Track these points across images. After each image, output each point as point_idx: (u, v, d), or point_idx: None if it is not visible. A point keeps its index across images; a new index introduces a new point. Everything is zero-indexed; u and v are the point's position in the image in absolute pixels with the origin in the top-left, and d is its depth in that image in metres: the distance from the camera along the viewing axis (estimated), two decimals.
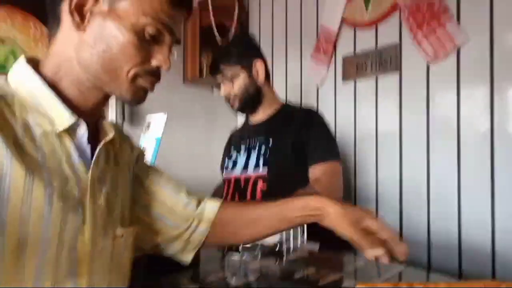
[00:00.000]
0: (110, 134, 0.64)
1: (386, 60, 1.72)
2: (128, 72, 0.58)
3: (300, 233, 0.97)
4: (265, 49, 1.56)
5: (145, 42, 0.59)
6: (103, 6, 0.57)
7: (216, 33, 2.22)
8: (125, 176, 0.69)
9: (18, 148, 0.51)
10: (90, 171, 0.59)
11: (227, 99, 1.42)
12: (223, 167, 1.52)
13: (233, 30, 2.27)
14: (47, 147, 0.55)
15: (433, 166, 1.58)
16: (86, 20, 0.58)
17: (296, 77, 2.17)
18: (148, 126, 1.04)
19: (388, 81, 1.72)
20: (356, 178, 1.85)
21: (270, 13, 2.33)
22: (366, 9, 1.77)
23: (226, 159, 1.50)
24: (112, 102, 2.02)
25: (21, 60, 0.60)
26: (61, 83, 0.60)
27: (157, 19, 0.58)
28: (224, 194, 1.45)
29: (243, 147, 1.44)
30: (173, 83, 2.26)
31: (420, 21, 1.57)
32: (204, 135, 2.36)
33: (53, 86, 0.59)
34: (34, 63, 0.61)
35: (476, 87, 1.46)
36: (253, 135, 1.43)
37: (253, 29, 2.43)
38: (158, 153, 0.96)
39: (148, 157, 0.97)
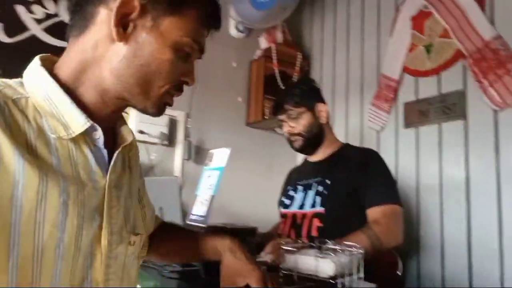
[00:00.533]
0: (129, 139, 0.64)
1: (450, 107, 1.70)
2: (160, 88, 0.59)
3: (356, 270, 0.96)
4: (326, 95, 1.62)
5: (182, 61, 0.60)
6: (148, 21, 0.57)
7: (279, 80, 2.34)
8: (136, 182, 0.70)
9: (31, 154, 0.50)
10: (108, 176, 0.58)
11: (289, 137, 1.48)
12: (281, 203, 1.56)
13: (295, 77, 2.38)
14: (62, 152, 0.53)
15: (505, 217, 1.48)
16: (128, 32, 0.57)
17: (356, 123, 2.19)
18: (211, 159, 1.12)
19: (453, 128, 1.69)
20: (420, 227, 1.78)
21: (331, 61, 2.42)
22: (428, 58, 1.79)
23: (284, 196, 1.54)
24: (180, 140, 2.17)
25: (36, 61, 0.58)
26: (80, 88, 0.58)
27: (195, 39, 0.60)
28: (281, 229, 1.48)
29: (301, 185, 1.48)
30: (236, 125, 2.38)
31: (485, 68, 1.56)
32: (264, 174, 2.42)
33: (69, 90, 0.57)
34: (49, 63, 0.59)
35: None
36: (311, 173, 1.46)
37: (315, 77, 2.52)
38: (220, 183, 1.03)
39: (212, 187, 1.04)
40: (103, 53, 0.57)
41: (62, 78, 0.57)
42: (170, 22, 0.58)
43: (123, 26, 0.56)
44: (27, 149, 0.50)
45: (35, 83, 0.56)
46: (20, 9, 1.79)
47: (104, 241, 0.57)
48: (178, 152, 2.18)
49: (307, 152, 1.52)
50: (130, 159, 0.68)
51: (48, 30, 1.84)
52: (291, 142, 1.49)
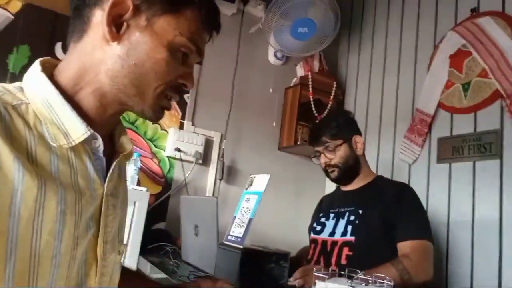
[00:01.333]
0: (128, 148, 0.64)
1: (486, 146, 1.70)
2: (156, 88, 0.58)
3: None
4: (359, 125, 1.67)
5: (178, 62, 0.59)
6: (142, 20, 0.56)
7: (314, 108, 2.39)
8: (127, 191, 0.70)
9: (31, 162, 0.49)
10: (106, 184, 0.58)
11: (326, 168, 1.53)
12: (312, 228, 1.59)
13: (329, 106, 2.43)
14: (62, 160, 0.53)
15: None
16: (122, 32, 0.56)
17: (388, 155, 2.21)
18: (251, 183, 1.18)
19: (488, 166, 1.69)
20: (448, 264, 1.76)
21: (366, 92, 2.46)
22: (465, 96, 1.81)
23: (316, 222, 1.57)
24: (214, 160, 2.25)
25: (36, 66, 0.57)
26: (79, 93, 0.57)
27: (192, 40, 0.59)
28: (310, 254, 1.51)
29: (333, 212, 1.51)
30: (269, 149, 2.44)
31: None
32: (293, 198, 2.46)
33: (69, 95, 0.56)
34: (49, 68, 0.58)
35: None
36: (344, 202, 1.49)
37: (349, 106, 2.57)
38: (259, 206, 1.08)
39: (250, 210, 1.10)
40: (100, 55, 0.57)
41: (62, 84, 0.57)
42: (165, 21, 0.57)
43: (117, 27, 0.56)
44: (27, 157, 0.49)
45: (35, 89, 0.55)
46: None
47: (99, 250, 0.57)
48: (212, 171, 2.26)
49: (343, 183, 1.56)
50: (125, 168, 0.70)
51: None
52: (327, 173, 1.54)
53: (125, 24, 0.57)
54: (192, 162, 2.18)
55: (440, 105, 1.93)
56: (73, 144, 0.54)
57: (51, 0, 1.78)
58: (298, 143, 2.37)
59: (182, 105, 2.22)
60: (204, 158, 2.23)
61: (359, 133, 1.55)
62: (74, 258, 0.53)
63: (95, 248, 0.57)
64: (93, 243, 0.57)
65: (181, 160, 2.15)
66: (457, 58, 1.86)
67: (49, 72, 0.58)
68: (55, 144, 0.53)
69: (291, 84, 2.50)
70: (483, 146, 1.72)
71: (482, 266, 1.63)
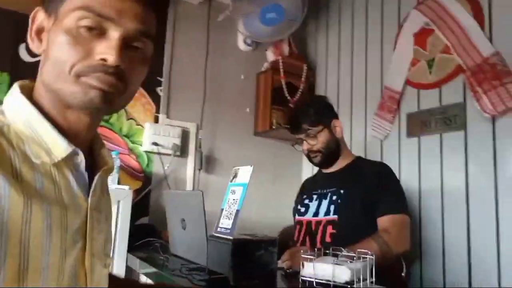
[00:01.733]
0: (109, 162, 0.65)
1: (451, 118, 1.80)
2: (70, 71, 0.54)
3: (369, 275, 1.05)
4: None
5: (83, 38, 0.55)
6: (51, 21, 0.57)
7: (286, 92, 2.43)
8: (111, 205, 0.71)
9: (16, 179, 0.50)
10: (89, 199, 0.59)
11: (309, 154, 1.58)
12: (296, 210, 1.65)
13: (301, 88, 2.48)
14: (46, 176, 0.54)
15: (502, 223, 1.58)
16: (43, 41, 0.57)
17: (360, 132, 2.29)
18: (236, 176, 1.21)
19: (453, 138, 1.79)
20: (421, 232, 1.87)
21: (336, 73, 2.52)
22: (430, 72, 1.89)
23: (299, 204, 1.63)
24: (191, 150, 2.27)
25: (15, 88, 0.58)
26: (50, 110, 0.58)
27: (88, 9, 0.54)
28: (296, 236, 1.57)
29: (316, 194, 1.58)
30: (245, 135, 2.47)
31: (481, 79, 1.65)
32: (271, 182, 2.52)
33: (47, 113, 0.57)
34: (28, 89, 0.59)
35: None
36: (326, 184, 1.56)
37: (320, 88, 2.63)
38: (245, 196, 1.12)
39: (237, 201, 1.13)
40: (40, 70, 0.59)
41: (40, 102, 0.58)
42: (64, 8, 0.55)
43: (41, 39, 0.58)
44: (13, 175, 0.50)
45: (15, 111, 0.56)
46: None
47: (87, 263, 0.58)
48: (190, 162, 2.27)
49: (326, 166, 1.61)
50: (107, 182, 0.70)
51: None
52: (310, 158, 1.59)
53: (45, 33, 0.58)
54: (170, 154, 2.19)
55: (407, 82, 2.01)
56: (56, 161, 0.55)
57: (12, 0, 1.71)
58: (274, 127, 2.42)
59: (156, 98, 2.21)
60: (182, 150, 2.24)
61: (337, 117, 1.61)
62: (63, 272, 0.53)
63: (83, 261, 0.58)
64: (81, 256, 0.57)
65: (159, 153, 2.15)
66: (421, 36, 1.93)
67: (28, 93, 0.58)
68: (38, 161, 0.54)
69: (262, 70, 2.53)
70: (449, 118, 1.81)
71: (452, 231, 1.75)
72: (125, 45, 0.56)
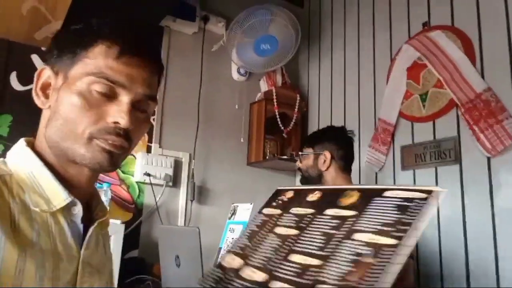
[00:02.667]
0: (103, 215, 0.65)
1: (445, 152, 1.81)
2: (82, 134, 0.57)
3: None
4: None
5: (95, 102, 0.58)
6: (59, 80, 0.60)
7: (279, 122, 2.43)
8: (106, 262, 0.70)
9: (13, 228, 0.51)
10: (82, 251, 0.59)
11: (298, 169, 1.71)
12: None
13: (294, 119, 2.48)
14: (42, 225, 0.55)
15: (500, 255, 1.57)
16: (49, 97, 0.60)
17: (354, 165, 2.28)
18: (234, 213, 1.18)
19: (448, 171, 1.79)
20: (419, 265, 1.85)
21: (328, 103, 2.54)
22: (423, 106, 1.92)
23: None
24: (184, 181, 2.22)
25: (21, 142, 0.62)
26: (52, 161, 0.60)
27: (102, 76, 0.57)
28: None
29: None
30: (238, 166, 2.44)
31: (477, 117, 1.67)
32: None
33: (50, 165, 0.60)
34: (32, 143, 0.63)
35: None
36: None
37: (313, 118, 2.63)
38: None
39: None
40: (42, 125, 0.62)
41: (42, 155, 0.61)
42: (76, 70, 0.58)
43: (46, 95, 0.61)
44: (10, 224, 0.51)
45: (19, 161, 0.59)
46: (35, 58, 1.85)
47: None
48: (183, 193, 2.23)
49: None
50: (103, 238, 0.70)
51: None
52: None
53: (50, 89, 0.61)
54: (162, 185, 2.14)
55: (400, 115, 2.03)
56: (54, 209, 0.57)
57: (3, 28, 1.68)
58: (267, 157, 2.40)
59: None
60: (174, 180, 2.20)
61: (332, 151, 1.61)
62: None
63: None
64: None
65: (150, 184, 2.10)
66: (414, 70, 1.96)
67: (31, 146, 0.62)
68: (37, 209, 0.55)
69: (256, 99, 2.53)
70: (443, 152, 1.82)
71: (450, 261, 1.73)
72: (133, 107, 0.60)
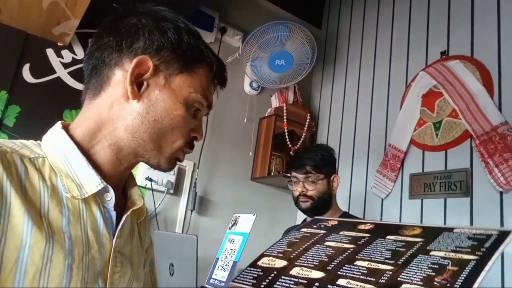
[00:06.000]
0: (139, 203, 0.64)
1: (456, 184, 1.76)
2: (173, 143, 0.60)
3: None
4: None
5: (191, 117, 0.62)
6: (160, 79, 0.60)
7: (288, 139, 2.40)
8: (140, 254, 0.68)
9: (42, 215, 0.50)
10: (114, 240, 0.58)
11: (298, 197, 1.56)
12: None
13: (303, 137, 2.45)
14: (73, 211, 0.54)
15: None
16: (142, 90, 0.59)
17: (360, 188, 2.23)
18: (235, 223, 1.13)
19: (458, 203, 1.74)
20: None
21: (339, 125, 2.51)
22: (436, 135, 1.88)
23: None
24: (185, 189, 2.18)
25: (57, 125, 0.61)
26: (95, 147, 0.59)
27: (204, 95, 0.62)
28: None
29: None
30: (242, 179, 2.40)
31: (491, 150, 1.63)
32: (266, 229, 2.42)
33: (85, 149, 0.59)
34: (66, 126, 0.62)
35: None
36: None
37: (322, 138, 2.60)
38: (244, 247, 1.04)
39: (235, 252, 1.05)
40: (118, 112, 0.59)
41: (78, 138, 0.59)
42: (181, 79, 0.60)
43: (138, 85, 0.59)
44: (39, 209, 0.51)
45: (53, 144, 0.58)
46: (50, 53, 1.85)
47: None
48: (183, 202, 2.18)
49: (312, 215, 1.56)
50: (139, 228, 0.68)
51: (73, 74, 1.90)
52: (298, 202, 1.56)
53: (145, 83, 0.60)
54: (163, 192, 2.10)
55: (412, 142, 1.99)
56: (86, 195, 0.55)
57: (22, 20, 1.69)
58: (272, 174, 2.35)
59: None
60: (175, 188, 2.16)
61: (337, 172, 1.63)
62: None
63: None
64: None
65: (151, 189, 2.06)
66: (429, 98, 1.93)
67: (66, 128, 0.61)
68: (68, 195, 0.54)
69: (266, 115, 2.50)
70: (454, 184, 1.77)
71: None
72: None
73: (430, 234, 0.58)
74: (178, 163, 0.65)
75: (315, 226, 0.73)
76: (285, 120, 2.41)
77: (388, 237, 0.61)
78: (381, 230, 0.65)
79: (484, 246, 0.51)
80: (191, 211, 2.18)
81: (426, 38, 2.08)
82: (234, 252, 1.05)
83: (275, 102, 2.51)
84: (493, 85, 1.71)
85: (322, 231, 0.71)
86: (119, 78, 0.59)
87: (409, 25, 2.20)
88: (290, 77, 2.34)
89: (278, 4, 2.59)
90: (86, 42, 1.95)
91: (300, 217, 2.46)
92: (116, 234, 0.58)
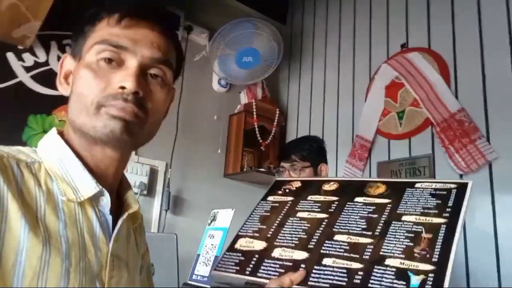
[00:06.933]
0: (134, 207, 0.63)
1: (420, 169, 1.86)
2: (92, 103, 0.56)
3: None
4: None
5: (103, 71, 0.57)
6: (76, 61, 0.60)
7: (258, 135, 2.43)
8: (137, 259, 0.67)
9: (38, 219, 0.50)
10: (111, 243, 0.57)
11: None
12: None
13: (273, 132, 2.49)
14: (69, 215, 0.53)
15: (472, 273, 1.60)
16: (70, 83, 0.60)
17: None
18: (214, 219, 1.16)
19: None
20: None
21: (307, 118, 2.57)
22: (400, 123, 1.97)
23: None
24: (159, 190, 2.17)
25: (53, 131, 0.61)
26: (78, 149, 0.59)
27: (107, 43, 0.57)
28: None
29: None
30: (215, 177, 2.42)
31: (451, 137, 1.73)
32: (240, 224, 2.44)
33: (79, 154, 0.58)
34: (61, 133, 0.61)
35: (510, 199, 1.56)
36: None
37: (291, 132, 2.65)
38: (225, 242, 1.06)
39: (215, 247, 1.07)
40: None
41: (72, 143, 0.59)
42: (85, 47, 0.59)
43: (69, 82, 0.61)
44: (36, 214, 0.50)
45: (49, 149, 0.58)
46: (10, 57, 1.79)
47: None
48: (157, 202, 2.17)
49: None
50: (135, 233, 0.67)
51: (36, 78, 1.84)
52: None
53: (71, 75, 0.61)
54: (136, 193, 2.08)
55: (378, 132, 2.07)
56: (81, 199, 0.55)
57: None
58: (245, 169, 2.38)
59: None
60: (149, 189, 2.14)
61: (326, 162, 1.61)
62: None
63: None
64: None
65: None
66: (392, 89, 2.02)
67: (62, 135, 0.61)
68: (64, 198, 0.54)
69: (235, 111, 2.53)
70: (418, 169, 1.87)
71: None
72: (143, 73, 0.58)
73: (395, 192, 0.61)
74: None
75: (280, 192, 0.72)
76: (254, 116, 2.44)
77: (356, 199, 0.63)
78: (347, 189, 0.66)
79: (448, 205, 0.56)
80: (166, 211, 2.17)
81: (386, 32, 2.17)
82: (215, 247, 1.07)
83: (244, 98, 2.54)
84: (450, 75, 1.82)
85: (289, 198, 0.70)
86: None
87: (370, 20, 2.29)
88: (258, 73, 2.38)
89: (243, 1, 2.62)
90: (48, 45, 1.90)
91: None
92: (113, 238, 0.57)
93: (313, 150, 1.58)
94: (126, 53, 0.57)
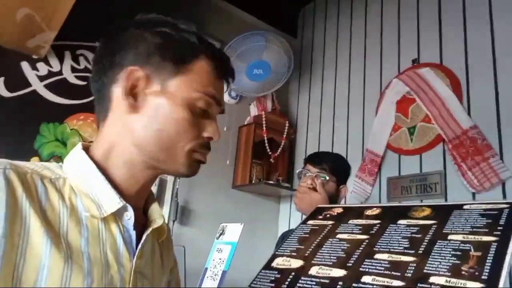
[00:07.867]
0: (159, 222, 0.62)
1: (431, 186, 1.83)
2: (184, 147, 0.58)
3: None
4: None
5: (196, 117, 0.59)
6: (155, 86, 0.59)
7: (267, 147, 2.43)
8: (162, 275, 0.67)
9: (61, 235, 0.50)
10: (134, 260, 0.56)
11: (303, 190, 1.46)
12: None
13: (282, 145, 2.49)
14: (92, 231, 0.54)
15: None
16: (139, 101, 0.59)
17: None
18: (223, 233, 1.14)
19: None
20: None
21: (317, 132, 2.56)
22: (411, 139, 1.95)
23: None
24: (167, 201, 2.17)
25: (78, 146, 0.61)
26: (111, 167, 0.59)
27: (206, 93, 0.59)
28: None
29: None
30: (223, 188, 2.41)
31: (463, 154, 1.71)
32: (248, 236, 2.42)
33: (103, 170, 0.59)
34: (87, 147, 0.62)
35: None
36: None
37: (300, 145, 2.64)
38: (233, 257, 1.05)
39: (223, 261, 1.06)
40: (125, 128, 0.59)
41: (97, 159, 0.59)
42: (178, 81, 0.58)
43: (135, 97, 0.58)
44: (58, 230, 0.50)
45: (74, 165, 0.58)
46: (25, 66, 1.82)
47: None
48: (165, 213, 2.17)
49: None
50: (161, 248, 0.67)
51: (49, 87, 1.87)
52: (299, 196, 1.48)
53: (141, 93, 0.59)
54: None
55: (388, 146, 2.05)
56: (105, 215, 0.55)
57: None
58: (253, 181, 2.37)
59: None
60: (157, 199, 2.14)
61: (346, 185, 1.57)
62: None
63: None
64: None
65: None
66: (403, 104, 2.01)
67: (87, 150, 0.61)
68: (87, 214, 0.54)
69: (245, 123, 2.53)
70: (429, 186, 1.84)
71: None
72: None
73: (441, 214, 0.57)
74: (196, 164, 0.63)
75: (320, 217, 0.71)
76: (264, 128, 2.44)
77: (400, 221, 0.59)
78: (390, 214, 0.63)
79: (500, 224, 0.51)
80: (173, 221, 2.17)
81: (397, 47, 2.16)
82: (223, 261, 1.05)
83: (254, 110, 2.54)
84: (462, 91, 1.80)
85: (330, 222, 0.68)
86: (118, 95, 0.59)
87: (381, 34, 2.29)
88: (268, 86, 2.38)
89: (254, 14, 2.64)
90: (62, 54, 1.92)
91: (282, 224, 2.49)
92: (137, 254, 0.57)
93: (343, 169, 1.56)
94: (215, 103, 0.62)
